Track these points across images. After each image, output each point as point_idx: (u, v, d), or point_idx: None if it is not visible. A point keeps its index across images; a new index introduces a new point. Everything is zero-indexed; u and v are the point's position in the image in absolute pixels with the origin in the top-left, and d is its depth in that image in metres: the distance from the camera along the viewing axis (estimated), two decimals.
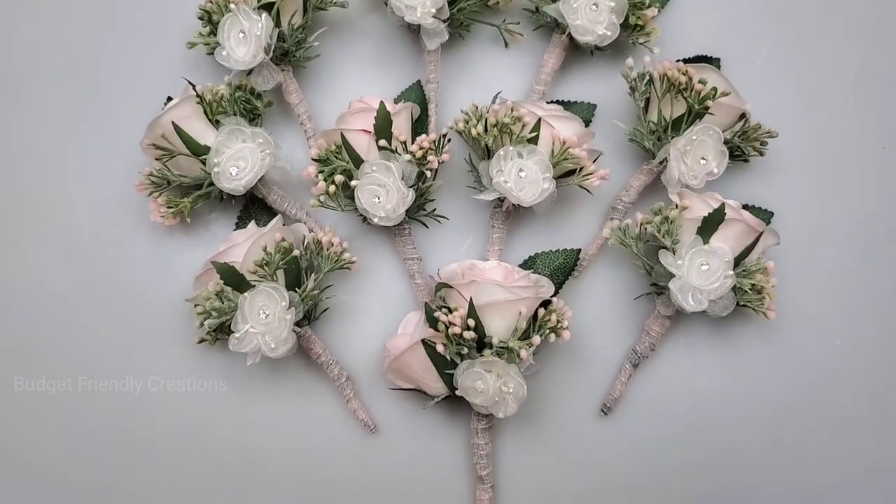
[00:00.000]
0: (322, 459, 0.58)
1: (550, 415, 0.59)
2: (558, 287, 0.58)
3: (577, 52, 0.64)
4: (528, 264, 0.59)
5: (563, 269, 0.59)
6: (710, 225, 0.55)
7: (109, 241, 0.61)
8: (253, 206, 0.60)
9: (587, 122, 0.63)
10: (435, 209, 0.60)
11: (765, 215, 0.61)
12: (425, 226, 0.61)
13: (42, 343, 0.59)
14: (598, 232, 0.61)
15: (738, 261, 0.55)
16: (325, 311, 0.59)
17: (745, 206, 0.61)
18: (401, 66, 0.64)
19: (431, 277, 0.58)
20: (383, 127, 0.55)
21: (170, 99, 0.61)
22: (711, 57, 0.64)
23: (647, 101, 0.59)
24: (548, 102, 0.62)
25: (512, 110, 0.56)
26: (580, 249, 0.59)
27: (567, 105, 0.63)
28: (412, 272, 0.59)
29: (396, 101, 0.62)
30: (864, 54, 0.66)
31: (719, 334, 0.60)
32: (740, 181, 0.63)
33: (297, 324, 0.56)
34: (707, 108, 0.56)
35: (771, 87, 0.65)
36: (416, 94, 0.62)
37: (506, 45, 0.65)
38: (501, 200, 0.59)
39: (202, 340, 0.57)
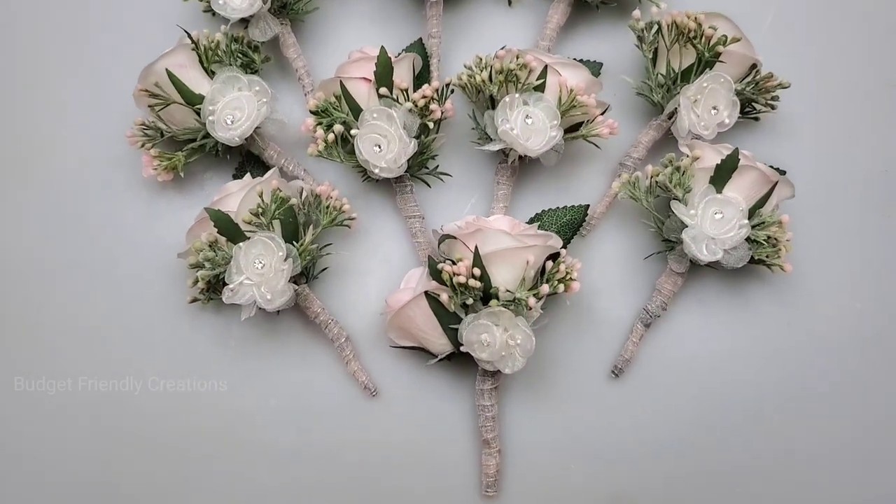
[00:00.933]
0: (321, 424, 0.55)
1: (559, 377, 0.56)
2: (566, 243, 0.56)
3: (582, 8, 0.62)
4: (535, 221, 0.57)
5: (570, 225, 0.57)
6: (724, 173, 0.53)
7: (100, 201, 0.59)
8: (248, 164, 0.58)
9: None
10: (437, 166, 0.58)
11: (777, 172, 0.59)
12: (427, 185, 0.59)
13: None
14: (607, 189, 0.59)
15: (752, 212, 0.53)
16: (324, 269, 0.57)
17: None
18: (402, 23, 0.63)
19: (434, 232, 0.56)
20: (384, 74, 0.54)
21: None
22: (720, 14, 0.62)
23: (655, 52, 0.58)
24: None
25: (517, 57, 0.54)
26: (588, 205, 0.57)
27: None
28: (414, 230, 0.57)
29: (398, 56, 0.60)
30: (874, 7, 0.64)
31: (732, 293, 0.58)
32: (751, 140, 0.61)
33: (295, 281, 0.53)
34: (718, 55, 0.54)
35: (780, 44, 0.63)
36: (418, 51, 0.61)
37: (509, 2, 0.63)
38: (506, 154, 0.57)
39: (195, 300, 0.55)
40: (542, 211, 0.57)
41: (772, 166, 0.59)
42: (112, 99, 0.59)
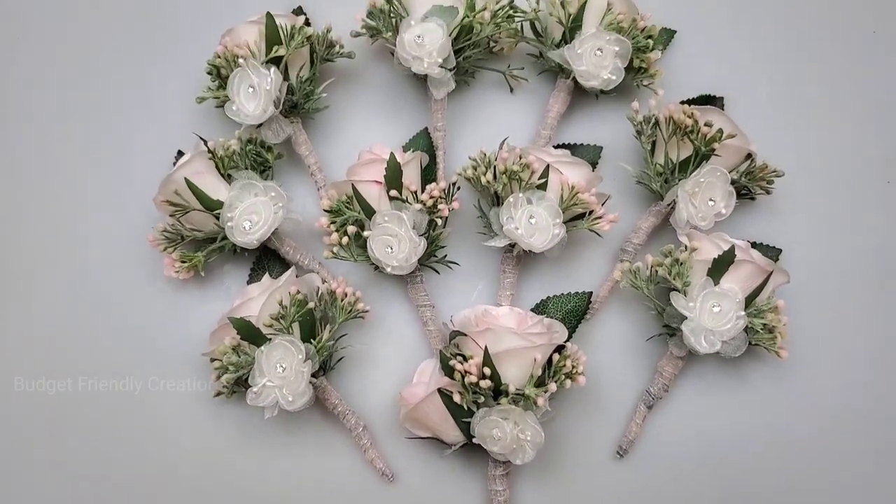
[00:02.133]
0: None
1: (567, 458, 0.59)
2: (571, 331, 0.58)
3: (582, 95, 0.64)
4: (540, 308, 0.59)
5: (575, 312, 0.59)
6: (720, 266, 0.55)
7: (123, 296, 0.61)
8: (266, 258, 0.61)
9: (594, 164, 0.63)
10: (446, 255, 0.60)
11: (773, 252, 0.62)
12: (437, 272, 0.61)
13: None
14: (609, 274, 0.61)
15: (748, 300, 0.56)
16: (340, 360, 0.59)
17: (754, 244, 0.61)
18: (408, 113, 0.65)
19: (445, 325, 0.58)
20: (394, 177, 0.56)
21: (180, 153, 0.62)
22: (715, 96, 0.65)
23: (654, 143, 0.60)
24: (554, 146, 0.63)
25: (520, 157, 0.56)
26: (591, 292, 0.60)
27: (573, 148, 0.64)
28: (425, 319, 0.60)
29: (405, 148, 0.63)
30: (868, 88, 0.66)
31: (732, 374, 0.60)
32: (747, 218, 0.63)
33: (313, 374, 0.56)
34: (713, 149, 0.57)
35: (775, 123, 0.66)
36: (424, 142, 0.63)
37: (511, 90, 0.65)
38: (512, 246, 0.59)
39: (219, 394, 0.58)
40: (547, 298, 0.60)
41: (766, 245, 0.62)
42: (133, 197, 0.62)
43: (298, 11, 0.65)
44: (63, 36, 0.67)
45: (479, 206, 0.60)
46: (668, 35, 0.66)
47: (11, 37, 0.68)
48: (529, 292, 0.61)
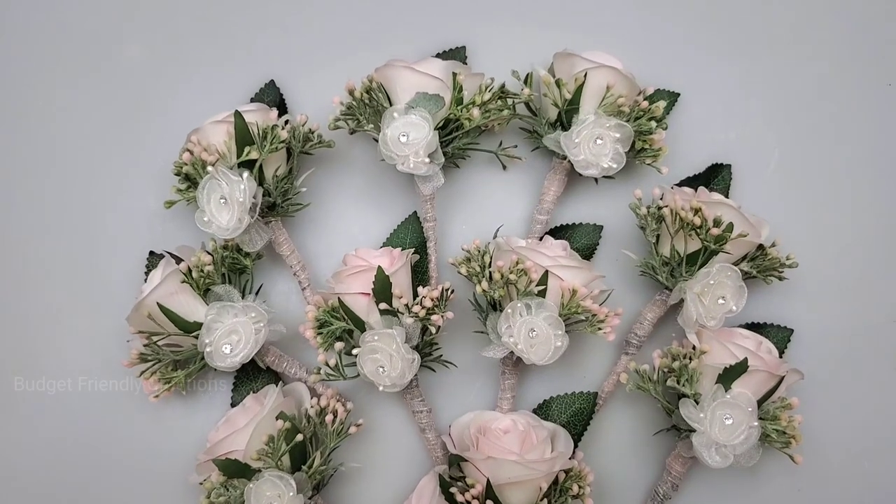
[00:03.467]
0: None
1: None
2: (578, 438, 0.56)
3: (580, 176, 0.60)
4: (543, 410, 0.57)
5: (581, 414, 0.56)
6: (732, 375, 0.52)
7: (102, 412, 0.58)
8: (249, 365, 0.57)
9: (594, 245, 0.60)
10: (441, 355, 0.57)
11: (784, 333, 0.59)
12: (433, 370, 0.58)
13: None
14: (613, 367, 0.58)
15: (760, 402, 0.53)
16: (333, 474, 0.56)
17: (763, 326, 0.58)
18: (395, 198, 0.61)
19: (442, 437, 0.55)
20: (382, 290, 0.52)
21: (152, 254, 0.58)
22: (722, 164, 0.60)
23: (658, 234, 0.56)
24: (552, 230, 0.59)
25: (517, 263, 0.53)
26: (596, 394, 0.57)
27: (572, 228, 0.60)
28: (423, 426, 0.57)
29: (392, 238, 0.59)
30: (884, 147, 0.62)
31: (743, 471, 0.58)
32: (756, 297, 0.60)
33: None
34: (723, 248, 0.53)
35: (786, 189, 0.62)
36: (413, 229, 0.59)
37: (504, 168, 0.61)
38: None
39: None
40: (551, 398, 0.57)
41: (777, 325, 0.59)
42: (107, 314, 0.58)
43: (269, 91, 0.60)
44: (26, 129, 0.62)
45: (476, 301, 0.57)
46: (671, 99, 0.62)
47: None
48: (531, 392, 0.58)
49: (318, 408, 0.54)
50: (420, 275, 0.58)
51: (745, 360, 0.51)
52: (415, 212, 0.60)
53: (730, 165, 0.61)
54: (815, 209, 0.62)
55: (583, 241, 0.59)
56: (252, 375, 0.57)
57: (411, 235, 0.59)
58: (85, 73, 0.62)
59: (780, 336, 0.59)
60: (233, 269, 0.56)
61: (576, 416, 0.56)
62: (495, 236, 0.57)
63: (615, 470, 0.58)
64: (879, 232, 0.61)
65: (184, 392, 0.56)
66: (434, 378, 0.59)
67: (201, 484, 0.52)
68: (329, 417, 0.53)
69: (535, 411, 0.57)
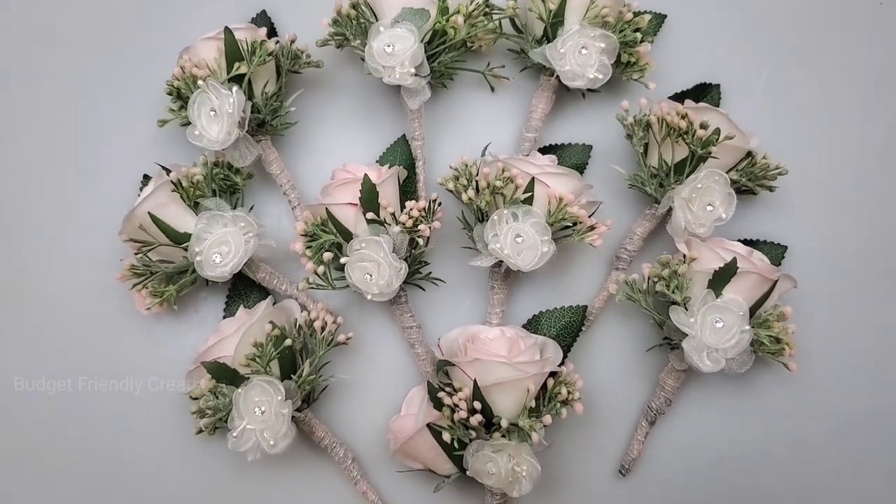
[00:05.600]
0: None
1: (566, 481, 0.56)
2: (567, 350, 0.55)
3: (568, 92, 0.60)
4: (532, 324, 0.56)
5: (570, 327, 0.56)
6: (722, 279, 0.52)
7: (94, 333, 0.59)
8: (241, 284, 0.58)
9: (583, 165, 0.60)
10: (430, 272, 0.57)
11: (777, 250, 0.58)
12: (422, 289, 0.58)
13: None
14: (604, 282, 0.58)
15: (753, 310, 0.53)
16: (324, 389, 0.57)
17: (756, 242, 0.58)
18: (384, 119, 0.61)
19: (431, 350, 0.55)
20: (369, 200, 0.52)
21: (146, 177, 0.59)
22: (710, 84, 0.60)
23: (646, 144, 0.56)
24: (541, 149, 0.59)
25: (503, 171, 0.53)
26: (586, 306, 0.57)
27: (561, 148, 0.60)
28: (412, 341, 0.57)
29: (381, 160, 0.59)
30: (874, 66, 0.62)
31: (738, 384, 0.57)
32: (748, 214, 0.60)
33: (297, 408, 0.53)
34: (710, 151, 0.53)
35: (776, 109, 0.62)
36: (402, 151, 0.59)
37: (492, 89, 0.61)
38: (500, 261, 0.56)
39: (200, 431, 0.55)
40: (540, 313, 0.57)
41: (770, 242, 0.58)
42: (100, 231, 0.59)
43: (260, 20, 0.61)
44: (17, 59, 0.63)
45: (464, 218, 0.57)
46: (657, 21, 0.62)
47: None
48: (521, 307, 0.58)
49: (308, 318, 0.54)
50: (409, 194, 0.59)
51: (734, 260, 0.51)
52: (403, 135, 0.60)
53: (718, 85, 0.60)
54: (805, 129, 0.61)
55: (572, 160, 0.59)
56: (244, 294, 0.58)
57: (400, 156, 0.59)
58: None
59: (773, 253, 0.58)
60: (224, 189, 0.56)
61: (565, 330, 0.56)
62: (483, 154, 0.57)
63: (608, 387, 0.57)
64: (872, 149, 0.61)
65: (175, 307, 0.56)
66: (424, 296, 0.59)
67: (191, 397, 0.52)
68: (318, 324, 0.53)
69: (524, 326, 0.57)
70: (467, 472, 0.51)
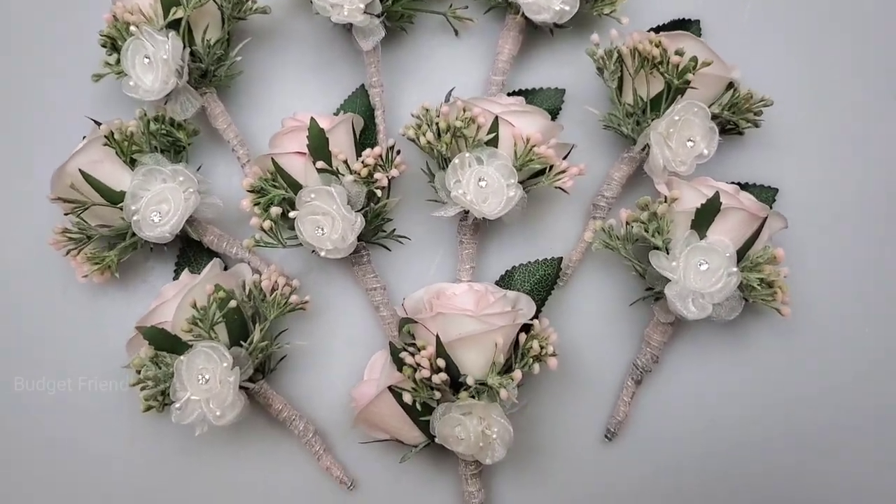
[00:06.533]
0: None
1: (548, 447, 0.52)
2: (541, 304, 0.51)
3: (535, 33, 0.56)
4: (505, 281, 0.52)
5: (544, 282, 0.52)
6: (705, 216, 0.47)
7: (36, 310, 0.55)
8: (190, 249, 0.54)
9: (556, 111, 0.55)
10: (395, 229, 0.53)
11: (768, 193, 0.54)
12: (387, 248, 0.54)
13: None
14: (581, 231, 0.54)
15: (741, 253, 0.48)
16: (282, 359, 0.52)
17: (745, 185, 0.54)
18: (340, 70, 0.57)
19: (395, 314, 0.51)
20: (318, 147, 0.48)
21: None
22: (689, 20, 0.56)
23: (620, 80, 0.52)
24: (509, 94, 0.55)
25: (464, 111, 0.48)
26: (561, 258, 0.52)
27: (531, 93, 0.56)
28: (376, 304, 0.53)
29: (338, 112, 0.55)
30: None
31: (728, 335, 0.53)
32: (735, 157, 0.56)
33: (251, 379, 0.49)
34: (688, 82, 0.49)
35: (760, 45, 0.58)
36: (361, 102, 0.55)
37: (456, 33, 0.57)
38: (466, 213, 0.52)
39: (148, 408, 0.51)
40: (513, 268, 0.52)
41: (760, 185, 0.54)
42: (32, 198, 0.55)
43: None
44: None
45: (428, 169, 0.52)
46: None
47: None
48: (493, 263, 0.54)
49: (257, 280, 0.49)
50: (369, 146, 0.54)
51: (717, 195, 0.47)
52: (362, 84, 0.56)
53: (698, 21, 0.56)
54: (794, 63, 0.57)
55: (544, 105, 0.55)
56: (193, 260, 0.53)
57: (359, 108, 0.55)
58: None
59: (764, 196, 0.54)
60: (167, 147, 0.52)
61: (539, 284, 0.52)
62: (447, 99, 0.53)
63: (589, 346, 0.53)
64: (866, 80, 0.57)
65: (117, 275, 0.52)
66: (389, 257, 0.54)
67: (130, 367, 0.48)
68: (267, 284, 0.49)
69: (497, 283, 0.52)
70: (436, 440, 0.47)
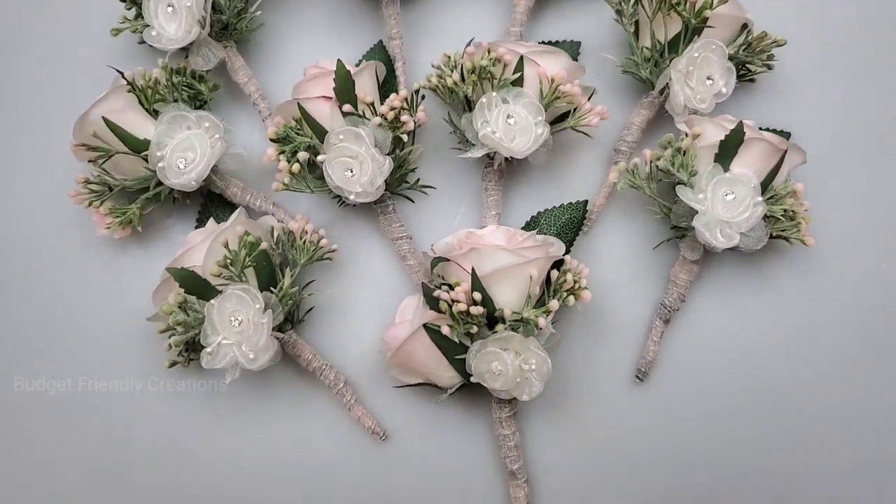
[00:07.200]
0: (331, 478, 0.51)
1: (580, 390, 0.52)
2: (569, 245, 0.51)
3: None
4: (530, 226, 0.52)
5: (571, 224, 0.52)
6: (729, 148, 0.48)
7: (55, 269, 0.53)
8: (212, 205, 0.53)
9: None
10: (419, 179, 0.53)
11: (781, 136, 0.55)
12: (411, 200, 0.54)
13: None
14: (603, 178, 0.54)
15: (763, 186, 0.49)
16: (309, 310, 0.52)
17: (759, 130, 0.54)
18: (359, 25, 0.57)
19: (425, 254, 0.51)
20: (345, 89, 0.48)
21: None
22: None
23: (637, 24, 0.53)
24: None
25: (489, 51, 0.49)
26: (587, 201, 0.53)
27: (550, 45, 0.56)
28: (403, 253, 0.52)
29: (358, 64, 0.55)
30: None
31: (752, 273, 0.53)
32: (749, 104, 0.56)
33: (280, 329, 0.49)
34: (706, 20, 0.50)
35: None
36: (380, 56, 0.56)
37: None
38: (491, 157, 0.52)
39: (173, 364, 0.50)
40: (539, 213, 0.53)
41: (776, 130, 0.55)
42: (51, 154, 0.54)
43: None
44: None
45: (450, 119, 0.53)
46: None
47: None
48: (518, 210, 0.54)
49: (285, 227, 0.49)
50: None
51: (741, 124, 0.47)
52: (380, 40, 0.56)
53: None
54: (805, 9, 0.58)
55: None
56: (216, 214, 0.53)
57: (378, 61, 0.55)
58: None
59: None
60: (188, 101, 0.52)
61: (566, 227, 0.52)
62: (467, 47, 0.53)
63: (617, 290, 0.53)
64: (874, 27, 0.58)
65: (139, 229, 0.51)
66: (412, 209, 0.54)
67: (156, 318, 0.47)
68: (297, 227, 0.48)
69: (523, 229, 0.52)
70: (471, 379, 0.46)
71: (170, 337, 0.46)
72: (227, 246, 0.45)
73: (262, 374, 0.51)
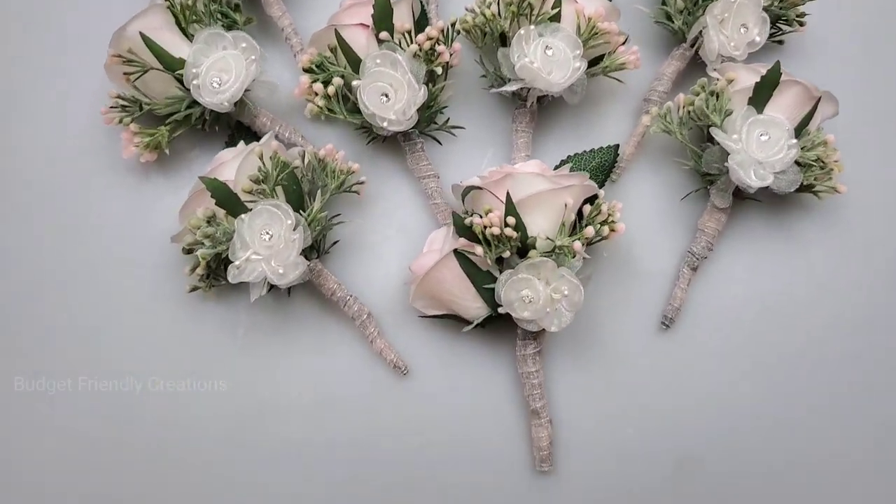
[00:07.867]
0: (350, 412, 0.50)
1: (606, 335, 0.51)
2: (599, 187, 0.51)
3: None
4: (561, 168, 0.52)
5: (601, 168, 0.52)
6: (764, 90, 0.48)
7: (79, 194, 0.53)
8: (239, 135, 0.53)
9: None
10: (448, 119, 0.52)
11: None
12: (438, 142, 0.53)
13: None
14: (633, 129, 0.54)
15: (797, 132, 0.49)
16: (335, 243, 0.51)
17: None
18: None
19: (455, 187, 0.50)
20: (383, 16, 0.48)
21: None
22: None
23: None
24: None
25: None
26: (618, 145, 0.53)
27: None
28: (430, 191, 0.52)
29: None
30: None
31: (779, 225, 0.53)
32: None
33: (306, 256, 0.48)
34: None
35: None
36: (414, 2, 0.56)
37: None
38: (523, 98, 0.52)
39: (195, 289, 0.49)
40: (569, 156, 0.53)
41: None
42: (79, 79, 0.53)
43: None
44: None
45: (482, 62, 0.53)
46: None
47: None
48: (547, 153, 0.54)
49: (315, 152, 0.49)
50: None
51: (777, 63, 0.48)
52: None
53: None
54: None
55: None
56: (246, 140, 0.52)
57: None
58: None
59: None
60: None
61: (597, 170, 0.52)
62: None
63: (644, 240, 0.53)
64: None
65: (167, 151, 0.50)
66: (441, 151, 0.54)
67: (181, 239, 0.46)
68: (327, 153, 0.48)
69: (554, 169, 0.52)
70: (499, 309, 0.46)
71: (195, 252, 0.45)
72: (261, 158, 0.45)
73: (283, 303, 0.50)
